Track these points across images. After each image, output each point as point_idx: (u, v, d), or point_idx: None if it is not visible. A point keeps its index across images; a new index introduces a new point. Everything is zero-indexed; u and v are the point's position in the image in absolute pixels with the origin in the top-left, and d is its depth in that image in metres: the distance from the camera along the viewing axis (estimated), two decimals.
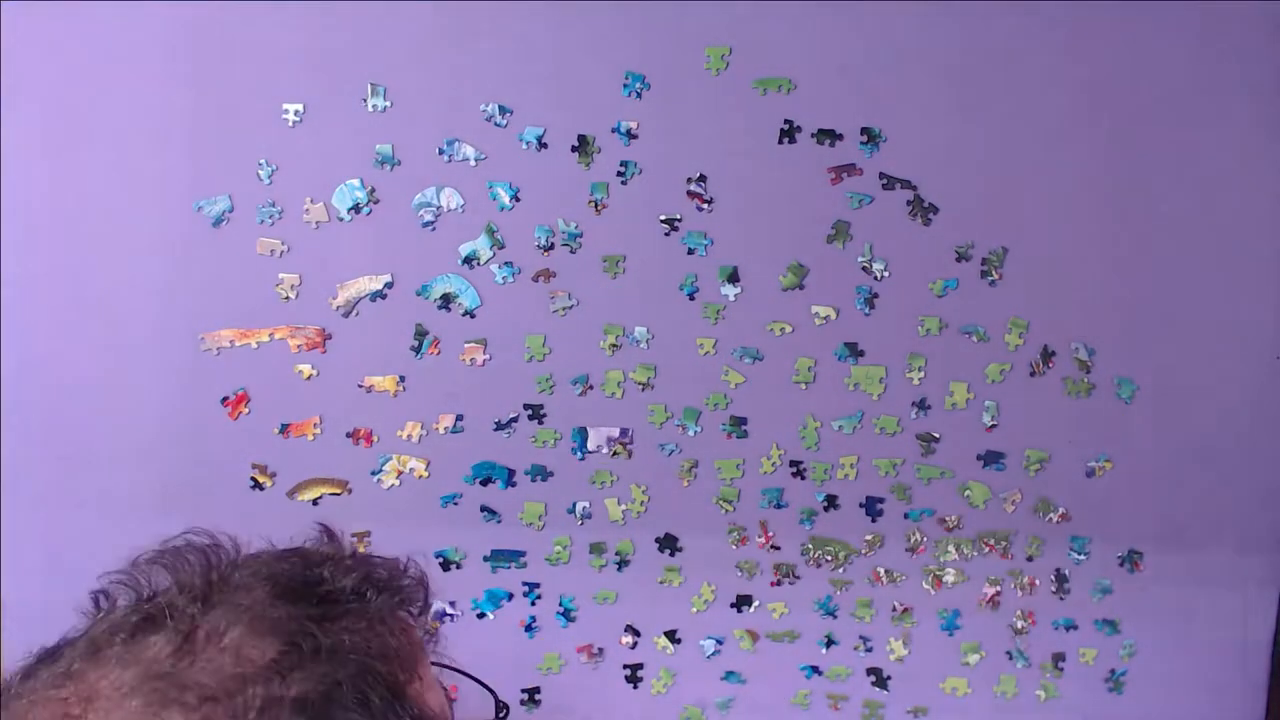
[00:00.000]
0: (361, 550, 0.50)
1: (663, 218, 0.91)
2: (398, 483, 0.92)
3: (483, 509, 0.94)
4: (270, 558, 0.45)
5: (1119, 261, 0.94)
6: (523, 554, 0.95)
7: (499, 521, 0.94)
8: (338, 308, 0.90)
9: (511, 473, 0.93)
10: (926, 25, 0.90)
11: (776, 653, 0.98)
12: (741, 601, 0.98)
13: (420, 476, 0.92)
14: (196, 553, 0.44)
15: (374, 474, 0.92)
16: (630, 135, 0.90)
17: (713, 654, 0.98)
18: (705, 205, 0.91)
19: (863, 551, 0.98)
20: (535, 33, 0.88)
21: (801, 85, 0.90)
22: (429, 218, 0.89)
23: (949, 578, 0.98)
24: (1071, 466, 0.98)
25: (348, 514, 0.92)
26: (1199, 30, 0.92)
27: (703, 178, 0.91)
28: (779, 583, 0.98)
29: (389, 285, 0.90)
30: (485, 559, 0.95)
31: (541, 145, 0.89)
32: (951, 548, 0.98)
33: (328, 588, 0.43)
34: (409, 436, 0.92)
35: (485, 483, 0.93)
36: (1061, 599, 1.00)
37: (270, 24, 0.86)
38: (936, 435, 0.96)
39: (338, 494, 0.92)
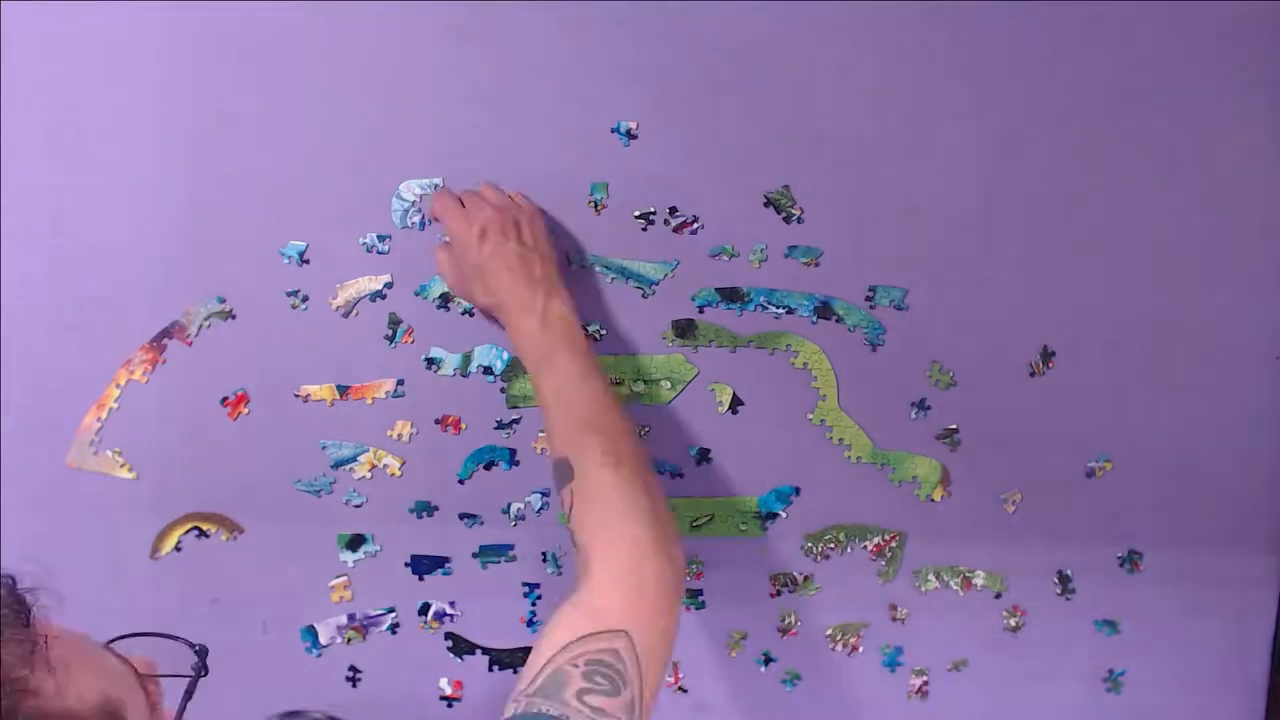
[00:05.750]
0: None
1: (663, 218, 0.91)
2: (369, 475, 0.92)
3: (461, 515, 0.94)
4: None
5: (1119, 261, 0.94)
6: (511, 547, 0.95)
7: (481, 524, 0.94)
8: (337, 308, 0.90)
9: (514, 452, 0.93)
10: (927, 26, 0.90)
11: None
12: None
13: (393, 475, 0.92)
14: None
15: (347, 464, 0.92)
16: (630, 135, 0.90)
17: None
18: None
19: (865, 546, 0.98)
20: (535, 33, 0.88)
21: (801, 85, 0.90)
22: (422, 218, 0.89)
23: (978, 580, 0.98)
24: (1072, 466, 0.98)
25: (343, 512, 0.93)
26: (1199, 30, 0.92)
27: (702, 178, 0.91)
28: (778, 593, 0.98)
29: (389, 285, 0.90)
30: (474, 555, 0.95)
31: (542, 146, 0.89)
32: (932, 576, 0.98)
33: None
34: (399, 436, 0.92)
35: (489, 466, 0.93)
36: (1068, 599, 0.99)
37: (272, 24, 0.86)
38: (954, 426, 0.95)
39: (209, 532, 0.92)
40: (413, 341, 0.91)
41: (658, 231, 0.91)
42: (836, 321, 0.93)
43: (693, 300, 0.92)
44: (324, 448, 0.91)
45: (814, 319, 0.93)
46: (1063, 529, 0.99)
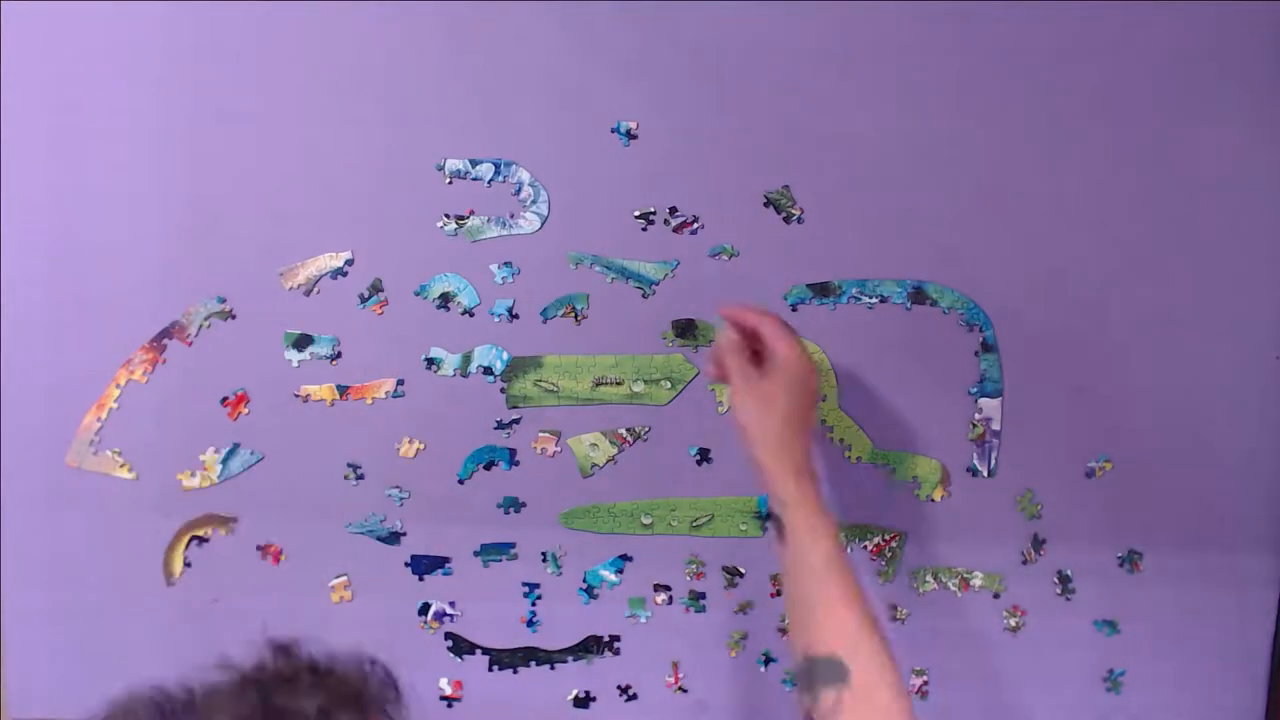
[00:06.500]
0: (322, 659, 0.51)
1: (663, 218, 0.91)
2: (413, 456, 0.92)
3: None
4: (225, 697, 0.45)
5: (1118, 261, 0.94)
6: (512, 545, 0.95)
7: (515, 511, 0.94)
8: (295, 287, 0.90)
9: (514, 452, 0.93)
10: (927, 26, 0.90)
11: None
12: (745, 606, 0.98)
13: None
14: (145, 707, 0.44)
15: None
16: (630, 135, 0.90)
17: None
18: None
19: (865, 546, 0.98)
20: (535, 33, 0.88)
21: (801, 85, 0.90)
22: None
23: (977, 582, 0.98)
24: (1072, 466, 0.98)
25: (343, 511, 0.93)
26: (1199, 30, 0.91)
27: (702, 178, 0.91)
28: (778, 593, 0.98)
29: (349, 262, 0.90)
30: (475, 554, 0.95)
31: (542, 146, 0.89)
32: (930, 578, 0.98)
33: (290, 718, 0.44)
34: (405, 453, 0.92)
35: (489, 466, 0.93)
36: (1068, 599, 0.99)
37: (272, 24, 0.86)
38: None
39: (207, 536, 0.92)
40: (382, 313, 0.90)
41: (658, 231, 0.91)
42: (931, 305, 0.93)
43: (785, 299, 0.92)
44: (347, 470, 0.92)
45: (908, 305, 0.93)
46: (1062, 529, 0.99)
